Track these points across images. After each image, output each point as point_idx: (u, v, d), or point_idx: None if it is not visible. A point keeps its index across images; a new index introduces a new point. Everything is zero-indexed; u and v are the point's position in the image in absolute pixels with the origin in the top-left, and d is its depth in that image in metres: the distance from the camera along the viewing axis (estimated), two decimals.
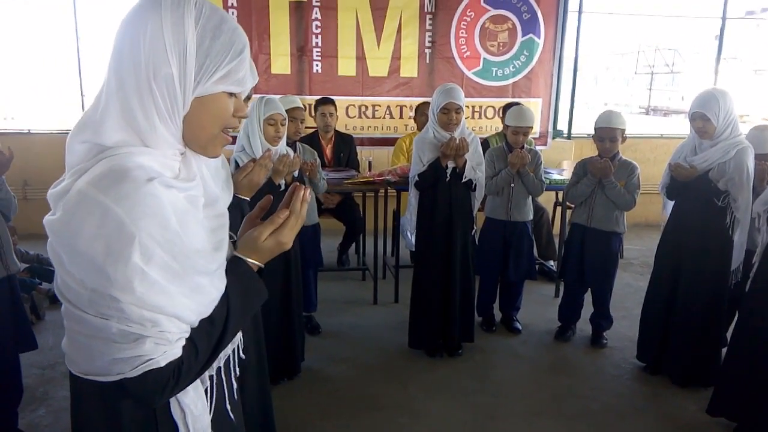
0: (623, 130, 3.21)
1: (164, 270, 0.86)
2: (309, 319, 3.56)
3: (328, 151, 4.44)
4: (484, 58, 5.51)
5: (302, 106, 3.37)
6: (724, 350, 2.82)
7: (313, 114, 4.56)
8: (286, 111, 2.94)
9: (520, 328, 3.67)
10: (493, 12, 5.44)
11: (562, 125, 6.07)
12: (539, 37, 5.54)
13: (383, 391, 2.96)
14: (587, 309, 3.56)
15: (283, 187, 2.76)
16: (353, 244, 4.75)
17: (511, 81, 5.60)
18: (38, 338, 3.02)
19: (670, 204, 3.05)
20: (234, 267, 1.01)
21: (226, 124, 0.98)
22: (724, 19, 6.22)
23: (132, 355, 0.87)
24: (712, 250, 2.85)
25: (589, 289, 3.50)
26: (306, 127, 4.76)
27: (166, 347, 0.89)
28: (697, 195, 2.84)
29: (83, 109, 5.02)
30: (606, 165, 3.17)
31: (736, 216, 2.79)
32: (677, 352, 2.99)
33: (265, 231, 1.02)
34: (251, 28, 5.02)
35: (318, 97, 4.62)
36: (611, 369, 3.23)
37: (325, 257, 4.59)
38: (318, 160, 3.34)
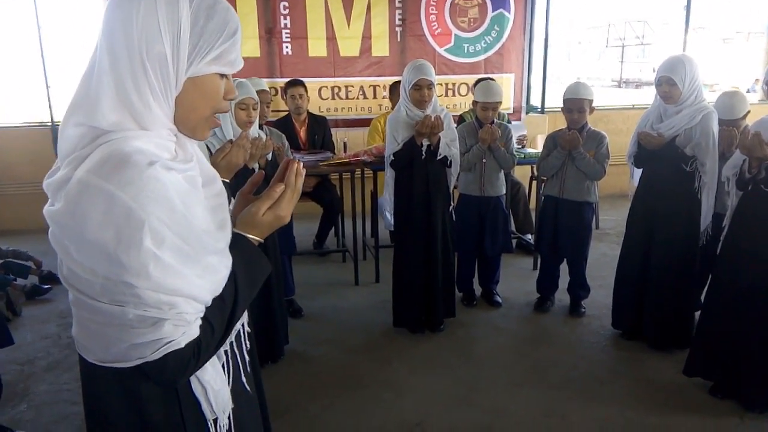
0: (591, 101, 3.25)
1: (176, 253, 0.86)
2: (290, 302, 3.56)
3: (302, 133, 4.40)
4: (456, 35, 5.49)
5: (267, 89, 3.32)
6: (698, 313, 2.89)
7: (284, 97, 4.51)
8: None
9: (500, 301, 3.72)
10: None
11: (536, 100, 6.10)
12: (509, 12, 5.53)
13: (367, 369, 2.98)
14: (565, 279, 3.62)
15: (257, 171, 2.74)
16: (332, 228, 4.74)
17: (483, 57, 5.60)
18: (16, 334, 3.00)
19: (638, 172, 3.10)
20: (236, 243, 1.01)
21: (218, 107, 0.98)
22: None
23: (152, 339, 0.87)
24: (682, 215, 2.91)
25: (565, 259, 3.56)
26: (278, 111, 4.72)
27: (185, 328, 0.90)
28: (665, 161, 2.88)
29: (49, 102, 4.93)
30: (574, 136, 3.21)
31: (704, 179, 2.85)
32: (652, 316, 3.06)
33: (263, 206, 1.03)
34: None
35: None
36: (590, 337, 3.30)
37: (305, 240, 4.61)
38: (286, 143, 3.32)
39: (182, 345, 0.89)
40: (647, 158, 2.98)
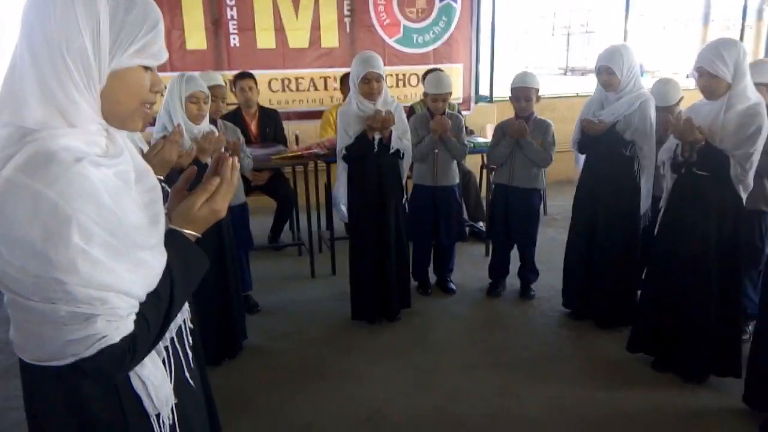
0: (537, 90, 3.35)
1: (105, 248, 0.87)
2: (246, 298, 3.54)
3: (253, 127, 4.36)
4: (404, 26, 5.52)
5: (222, 83, 3.28)
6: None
7: (233, 90, 4.45)
8: None
9: (454, 288, 3.80)
10: None
11: (484, 89, 6.20)
12: (456, 3, 5.59)
13: (327, 361, 3.02)
14: (516, 264, 3.74)
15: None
16: (287, 221, 4.73)
17: (431, 47, 5.65)
18: None
19: (582, 158, 3.24)
20: (171, 239, 1.01)
21: (144, 99, 0.98)
22: None
23: (85, 335, 0.87)
24: (623, 197, 3.05)
25: (516, 245, 3.67)
26: (228, 104, 4.67)
27: (118, 323, 0.90)
28: (606, 147, 3.02)
29: None
30: (522, 126, 3.31)
31: (643, 163, 2.99)
32: (597, 296, 3.20)
33: (198, 200, 1.04)
34: (162, 3, 4.80)
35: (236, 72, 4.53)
36: (540, 318, 3.43)
37: (259, 235, 4.58)
38: (242, 138, 3.29)
39: (116, 340, 0.90)
40: (590, 144, 3.11)
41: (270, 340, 3.24)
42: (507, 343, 3.16)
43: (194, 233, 1.06)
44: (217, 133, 2.78)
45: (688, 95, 3.30)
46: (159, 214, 1.00)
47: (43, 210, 0.82)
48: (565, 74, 26.43)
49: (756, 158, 2.44)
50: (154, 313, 0.97)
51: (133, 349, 0.93)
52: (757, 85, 2.57)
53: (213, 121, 3.12)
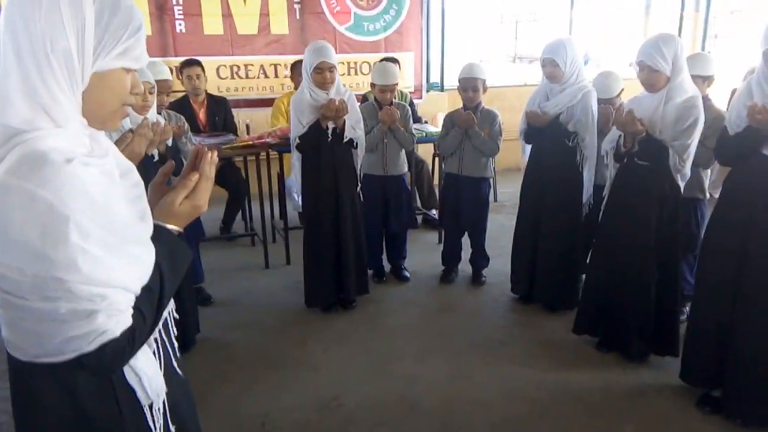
0: (484, 80, 3.42)
1: (102, 245, 0.88)
2: (199, 290, 3.49)
3: (201, 115, 4.27)
4: (355, 13, 5.50)
5: (170, 77, 3.19)
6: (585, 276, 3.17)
7: (180, 77, 4.34)
8: None
9: (408, 275, 3.86)
10: None
11: (436, 77, 6.25)
12: None
13: (283, 350, 3.02)
14: (467, 251, 3.82)
15: (156, 158, 2.66)
16: (239, 211, 4.66)
17: (383, 36, 5.66)
18: None
19: (528, 148, 3.34)
20: (156, 234, 1.03)
21: (125, 100, 0.99)
22: None
23: (87, 330, 0.89)
24: (566, 186, 3.17)
25: (467, 232, 3.75)
26: (175, 92, 4.55)
27: (118, 317, 0.92)
28: (550, 137, 3.13)
29: None
30: (469, 117, 3.38)
31: (585, 153, 3.10)
32: (544, 280, 3.32)
33: (179, 196, 1.06)
34: None
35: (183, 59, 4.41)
36: (491, 303, 3.53)
37: (211, 225, 4.51)
38: (186, 124, 3.23)
39: (117, 334, 0.92)
40: (535, 135, 3.21)
41: (224, 332, 3.21)
42: (459, 328, 3.24)
43: (177, 228, 1.08)
44: (163, 124, 2.71)
45: (630, 84, 3.42)
46: (146, 209, 1.02)
47: (39, 211, 0.82)
48: (513, 62, 26.84)
49: (693, 149, 2.57)
50: (148, 306, 0.99)
51: (132, 342, 0.95)
52: (695, 77, 2.70)
53: (157, 112, 3.05)
